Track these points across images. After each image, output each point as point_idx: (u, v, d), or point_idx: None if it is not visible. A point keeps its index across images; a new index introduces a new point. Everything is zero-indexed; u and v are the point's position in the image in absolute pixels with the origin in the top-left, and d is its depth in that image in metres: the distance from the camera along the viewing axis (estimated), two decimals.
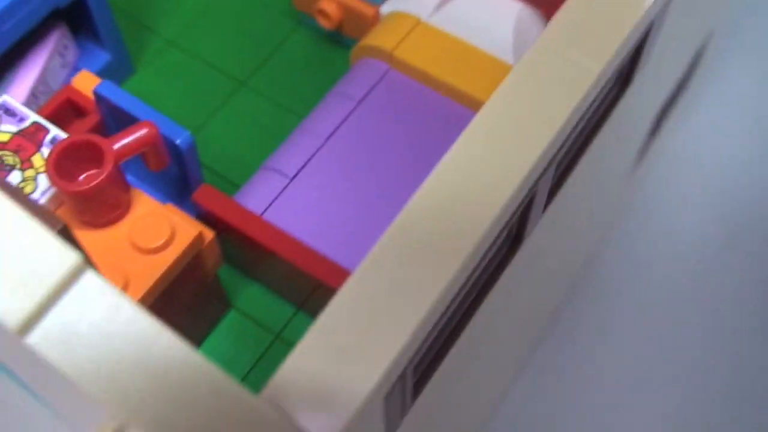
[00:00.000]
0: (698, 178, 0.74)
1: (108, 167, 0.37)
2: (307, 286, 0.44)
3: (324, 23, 0.52)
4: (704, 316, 0.69)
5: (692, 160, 0.76)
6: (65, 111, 0.44)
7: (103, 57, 0.50)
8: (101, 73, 0.50)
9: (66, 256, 0.28)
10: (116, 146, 0.38)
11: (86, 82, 0.45)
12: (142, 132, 0.38)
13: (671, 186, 0.74)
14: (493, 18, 0.49)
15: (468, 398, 0.51)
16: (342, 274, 0.42)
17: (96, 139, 0.37)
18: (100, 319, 0.28)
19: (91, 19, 0.48)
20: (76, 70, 0.50)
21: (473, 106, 0.47)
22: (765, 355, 0.67)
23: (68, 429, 0.60)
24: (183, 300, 0.41)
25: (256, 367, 0.45)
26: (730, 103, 0.78)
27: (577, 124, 0.37)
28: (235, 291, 0.46)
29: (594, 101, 0.38)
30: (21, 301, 0.27)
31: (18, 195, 0.31)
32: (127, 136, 0.38)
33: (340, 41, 0.54)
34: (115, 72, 0.51)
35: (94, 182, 0.37)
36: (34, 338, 0.27)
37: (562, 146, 0.36)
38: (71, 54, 0.49)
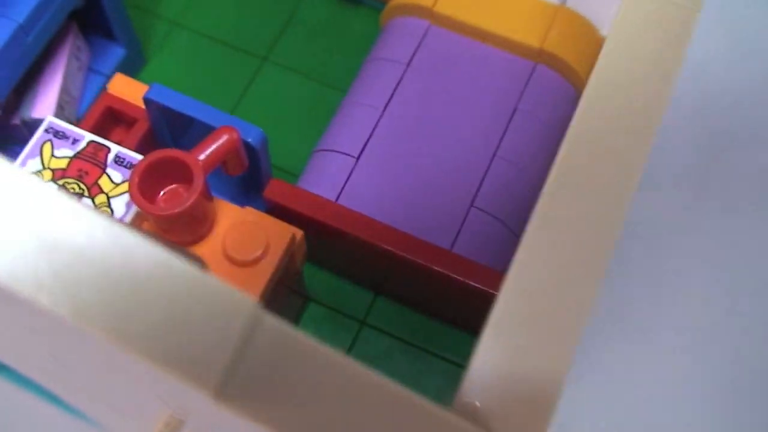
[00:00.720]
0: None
1: (200, 184, 0.34)
2: (389, 268, 0.42)
3: None
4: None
5: None
6: (107, 120, 0.41)
7: (118, 52, 0.47)
8: (117, 69, 0.47)
9: (241, 304, 0.26)
10: (201, 158, 0.35)
11: (123, 87, 0.41)
12: (223, 139, 0.36)
13: None
14: None
15: None
16: (429, 250, 0.40)
17: (180, 154, 0.35)
18: (288, 362, 0.26)
19: (104, 15, 0.44)
20: (90, 71, 0.46)
21: (525, 53, 0.45)
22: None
23: None
24: (277, 301, 0.39)
25: (350, 354, 0.43)
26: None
27: None
28: (311, 282, 0.44)
29: None
30: (210, 364, 0.25)
31: (155, 239, 0.29)
32: (209, 146, 0.35)
33: (358, 0, 0.51)
34: (129, 65, 0.48)
35: (189, 202, 0.34)
36: (231, 400, 0.25)
37: None
38: (84, 55, 0.46)
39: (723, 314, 0.66)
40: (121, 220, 0.36)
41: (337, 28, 0.51)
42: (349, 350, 0.43)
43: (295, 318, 0.43)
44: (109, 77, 0.46)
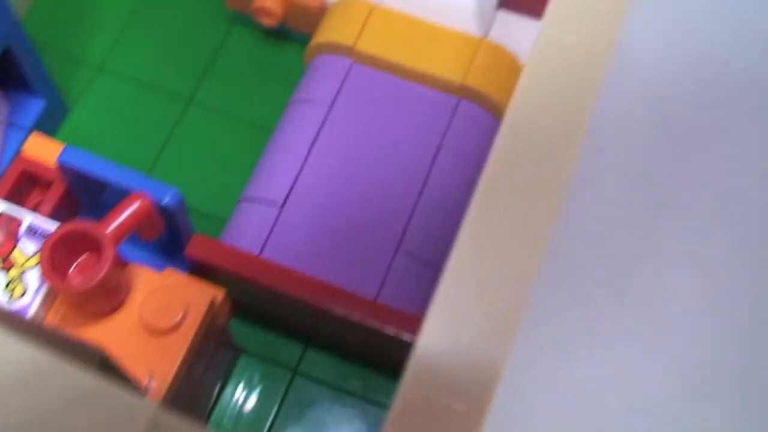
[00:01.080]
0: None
1: (109, 258, 0.34)
2: (316, 319, 0.42)
3: (266, 21, 0.48)
4: None
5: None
6: (23, 184, 0.40)
7: (37, 104, 0.46)
8: (38, 122, 0.46)
9: (138, 410, 0.25)
10: (111, 230, 0.34)
11: (38, 148, 0.41)
12: (135, 206, 0.35)
13: None
14: None
15: None
16: (352, 300, 0.40)
17: (89, 228, 0.34)
18: None
19: (19, 68, 0.44)
20: (10, 125, 0.46)
21: (449, 89, 0.44)
22: None
23: None
24: (204, 358, 0.39)
25: (284, 403, 0.43)
26: None
27: None
28: (241, 333, 0.44)
29: None
30: None
31: (49, 337, 0.28)
32: (120, 214, 0.35)
33: (283, 35, 0.51)
34: (51, 117, 0.47)
35: (98, 278, 0.33)
36: None
37: None
38: (3, 109, 0.45)
39: (677, 319, 0.66)
40: (18, 314, 0.35)
41: (264, 65, 0.50)
42: (283, 399, 0.43)
43: (226, 371, 0.43)
44: (30, 130, 0.45)
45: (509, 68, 0.45)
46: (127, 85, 0.50)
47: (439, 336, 0.27)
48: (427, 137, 0.44)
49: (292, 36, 0.50)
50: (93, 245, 0.35)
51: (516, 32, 0.46)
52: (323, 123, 0.44)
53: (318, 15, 0.47)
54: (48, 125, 0.47)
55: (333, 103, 0.44)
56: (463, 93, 0.44)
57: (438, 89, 0.45)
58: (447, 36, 0.45)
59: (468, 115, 0.44)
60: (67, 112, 0.48)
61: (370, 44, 0.45)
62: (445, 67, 0.44)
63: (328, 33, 0.46)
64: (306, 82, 0.46)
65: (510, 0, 0.46)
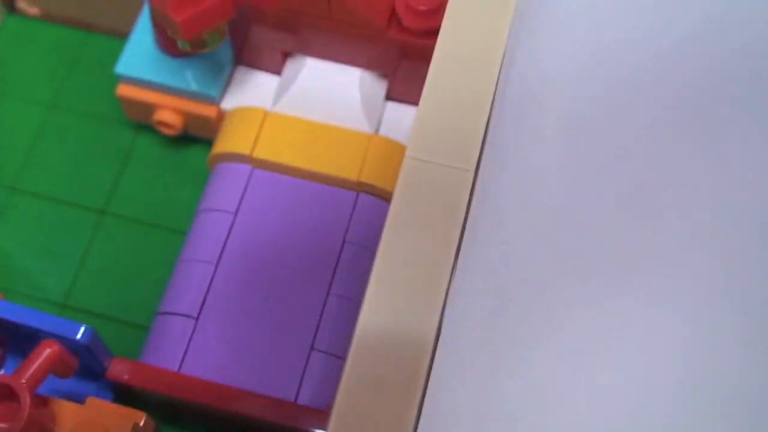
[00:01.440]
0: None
1: (26, 406, 0.36)
2: (242, 425, 0.44)
3: (167, 132, 0.50)
4: None
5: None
6: None
7: None
8: None
9: None
10: (26, 379, 0.36)
11: None
12: (46, 353, 0.37)
13: None
14: (337, 91, 0.48)
15: None
16: (272, 405, 0.42)
17: (4, 380, 0.36)
18: None
19: None
20: None
21: (346, 185, 0.47)
22: None
23: None
24: None
25: None
26: None
27: None
28: None
29: None
30: None
31: None
32: (33, 364, 0.37)
33: (189, 137, 0.52)
34: None
35: (20, 424, 0.35)
36: None
37: None
38: None
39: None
40: None
41: (171, 168, 0.52)
42: None
43: None
44: None
45: (400, 158, 0.47)
46: (41, 205, 0.51)
47: (375, 319, 0.30)
48: (331, 234, 0.46)
49: (198, 138, 0.52)
50: (10, 394, 0.36)
51: (405, 121, 0.48)
52: (229, 231, 0.46)
53: (216, 122, 0.49)
54: None
55: (237, 210, 0.46)
56: (360, 188, 0.47)
57: (336, 186, 0.47)
58: (339, 135, 0.47)
59: (367, 209, 0.47)
60: None
61: (267, 150, 0.47)
62: (341, 166, 0.47)
63: (226, 142, 0.48)
64: (209, 192, 0.48)
65: (396, 93, 0.49)
